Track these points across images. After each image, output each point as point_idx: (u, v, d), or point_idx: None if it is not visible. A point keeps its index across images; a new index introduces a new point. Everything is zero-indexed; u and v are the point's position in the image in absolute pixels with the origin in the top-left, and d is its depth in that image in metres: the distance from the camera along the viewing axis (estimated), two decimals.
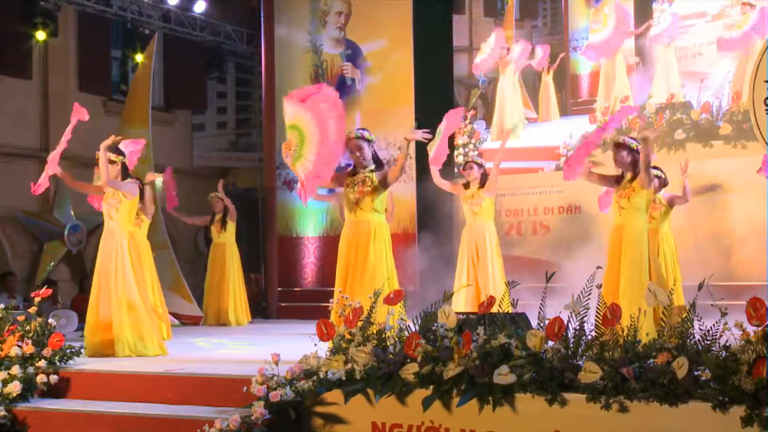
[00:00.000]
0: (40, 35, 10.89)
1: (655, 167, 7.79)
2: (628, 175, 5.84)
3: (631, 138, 5.97)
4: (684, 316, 3.93)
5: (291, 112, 5.58)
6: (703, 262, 8.72)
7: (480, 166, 7.61)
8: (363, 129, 5.68)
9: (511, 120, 11.15)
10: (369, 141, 5.62)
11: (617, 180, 5.97)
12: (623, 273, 5.58)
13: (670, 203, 7.79)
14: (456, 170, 11.28)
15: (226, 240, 9.86)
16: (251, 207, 12.47)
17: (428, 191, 9.88)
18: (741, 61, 9.68)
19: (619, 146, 5.88)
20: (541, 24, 11.57)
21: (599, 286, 4.66)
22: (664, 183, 7.76)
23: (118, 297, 6.25)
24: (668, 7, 10.42)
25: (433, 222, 10.09)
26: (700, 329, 3.89)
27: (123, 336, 6.21)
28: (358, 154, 5.55)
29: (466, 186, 7.64)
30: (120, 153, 6.51)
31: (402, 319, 4.57)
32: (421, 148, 10.69)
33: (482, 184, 7.52)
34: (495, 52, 11.11)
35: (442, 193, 9.62)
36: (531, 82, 11.40)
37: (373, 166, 5.58)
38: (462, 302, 7.12)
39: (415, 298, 9.01)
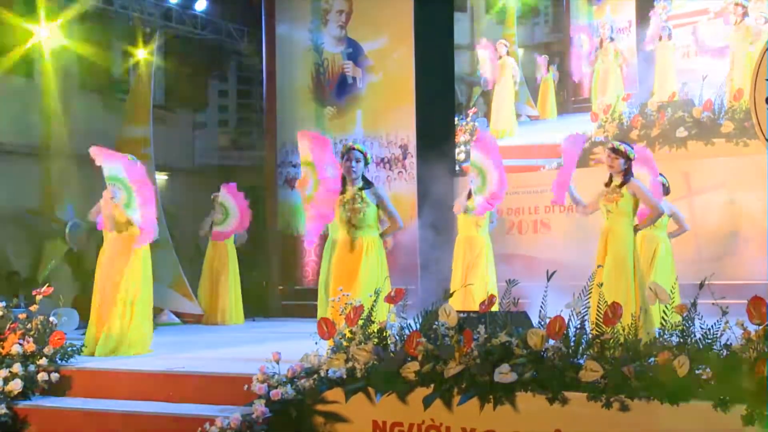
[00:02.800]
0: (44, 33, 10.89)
1: (659, 174, 7.79)
2: (618, 180, 5.92)
3: (628, 145, 6.03)
4: (684, 314, 3.93)
5: (305, 147, 5.77)
6: (704, 261, 8.71)
7: None
8: (365, 149, 5.71)
9: (505, 119, 11.23)
10: (367, 162, 5.65)
11: (606, 184, 6.05)
12: (606, 273, 5.60)
13: (669, 215, 7.75)
14: (457, 167, 11.29)
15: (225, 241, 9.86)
16: (252, 205, 12.48)
17: (428, 189, 9.87)
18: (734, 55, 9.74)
19: (617, 153, 5.94)
20: (543, 22, 11.56)
21: (600, 285, 4.66)
22: (666, 191, 7.75)
23: (120, 296, 6.29)
24: (670, 4, 10.42)
25: (433, 220, 10.06)
26: (701, 328, 3.89)
27: (125, 335, 6.25)
28: (351, 165, 5.57)
29: (469, 195, 7.65)
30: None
31: (402, 317, 4.57)
32: (423, 147, 10.72)
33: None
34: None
35: (442, 191, 9.61)
36: (532, 79, 11.40)
37: (360, 184, 5.61)
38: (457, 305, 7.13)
39: (415, 296, 9.01)
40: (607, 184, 6.03)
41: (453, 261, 7.75)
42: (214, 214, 9.92)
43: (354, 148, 5.62)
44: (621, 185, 5.90)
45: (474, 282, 7.32)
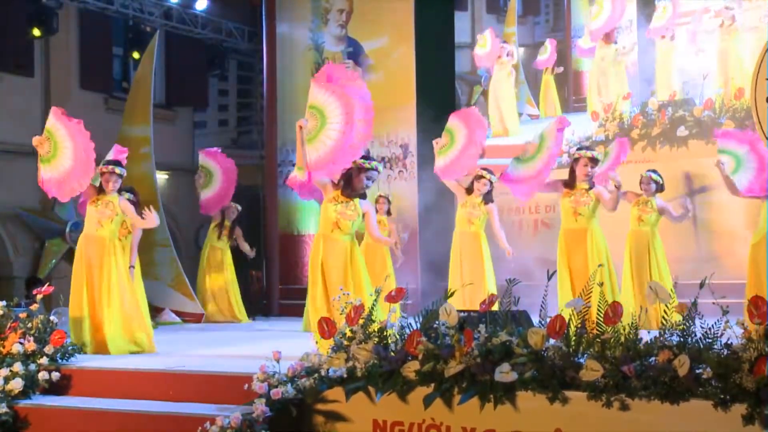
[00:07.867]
0: (36, 32, 10.89)
1: (653, 171, 7.80)
2: (585, 185, 6.51)
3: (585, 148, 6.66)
4: (684, 313, 3.93)
5: (315, 93, 5.48)
6: (705, 260, 8.71)
7: (491, 183, 7.45)
8: (376, 162, 5.71)
9: (509, 118, 11.21)
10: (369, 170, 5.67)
11: (565, 183, 6.64)
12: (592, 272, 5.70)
13: (661, 211, 7.73)
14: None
15: (224, 246, 9.84)
16: (252, 205, 12.48)
17: (429, 190, 9.88)
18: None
19: (594, 161, 6.62)
20: (544, 20, 11.57)
21: (601, 284, 4.67)
22: (660, 188, 7.74)
23: (108, 298, 6.33)
24: (671, 3, 10.41)
25: (434, 220, 10.07)
26: (702, 327, 3.89)
27: (116, 334, 6.27)
28: (369, 183, 5.67)
29: (469, 191, 7.51)
30: (119, 165, 6.62)
31: (403, 317, 4.58)
32: (424, 146, 10.71)
33: (485, 201, 7.45)
34: (494, 49, 11.14)
35: (443, 192, 9.61)
36: (533, 78, 11.40)
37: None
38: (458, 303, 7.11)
39: (416, 296, 9.02)
40: (568, 185, 6.57)
41: (451, 258, 7.68)
42: (198, 179, 9.80)
43: (377, 170, 5.66)
44: (589, 189, 6.51)
45: (473, 280, 7.27)
